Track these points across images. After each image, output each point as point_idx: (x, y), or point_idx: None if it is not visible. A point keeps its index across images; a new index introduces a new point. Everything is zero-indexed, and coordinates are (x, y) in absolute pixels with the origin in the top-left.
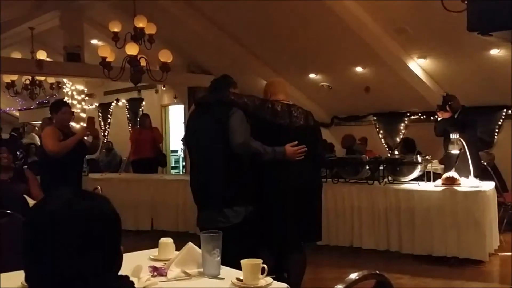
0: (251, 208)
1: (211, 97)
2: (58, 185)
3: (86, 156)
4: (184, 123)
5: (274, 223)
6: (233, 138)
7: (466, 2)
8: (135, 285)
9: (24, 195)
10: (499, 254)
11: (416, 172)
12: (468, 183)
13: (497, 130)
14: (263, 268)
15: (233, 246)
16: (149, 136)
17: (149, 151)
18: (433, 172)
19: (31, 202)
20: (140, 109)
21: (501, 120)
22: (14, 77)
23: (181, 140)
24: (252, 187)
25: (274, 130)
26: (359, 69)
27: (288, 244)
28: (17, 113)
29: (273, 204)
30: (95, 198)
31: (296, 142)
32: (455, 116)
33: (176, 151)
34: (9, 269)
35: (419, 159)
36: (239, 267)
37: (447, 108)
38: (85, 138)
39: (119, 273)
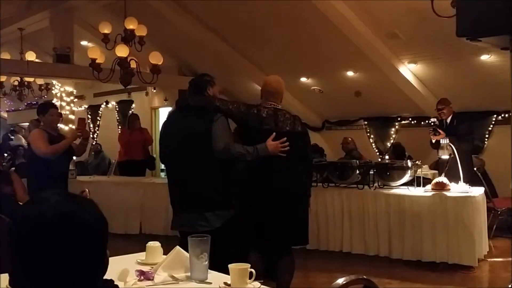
0: (233, 212)
1: (193, 100)
2: (44, 187)
3: (75, 158)
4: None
5: (262, 227)
6: (214, 144)
7: (456, 7)
8: None
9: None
10: (488, 259)
11: (406, 177)
12: (458, 189)
13: (487, 136)
14: (251, 273)
15: (214, 250)
16: (139, 138)
17: (139, 153)
18: (423, 177)
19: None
20: (130, 112)
21: (491, 126)
22: (3, 78)
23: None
24: (235, 190)
25: (260, 136)
26: (350, 73)
27: (276, 248)
28: (5, 114)
29: (261, 207)
30: (81, 201)
31: (274, 134)
32: (447, 121)
33: None
34: None
35: (409, 164)
36: (222, 271)
37: (440, 131)
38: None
39: (105, 277)
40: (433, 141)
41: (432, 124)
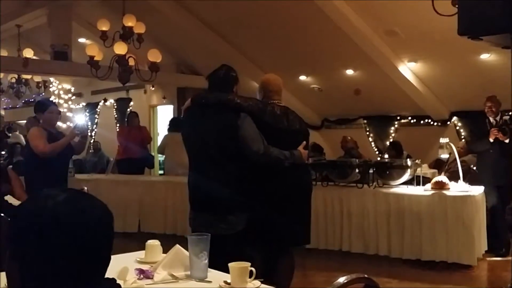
0: (253, 214)
1: (213, 97)
2: (43, 185)
3: (73, 156)
4: (180, 118)
5: (263, 226)
6: (251, 148)
7: (457, 6)
8: None
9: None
10: (487, 259)
11: (406, 176)
12: (457, 188)
13: None
14: (251, 271)
15: (237, 254)
16: (138, 136)
17: (138, 151)
18: (423, 176)
19: (16, 202)
20: (128, 109)
21: None
22: (0, 75)
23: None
24: (254, 192)
25: (274, 134)
26: (349, 72)
27: (277, 247)
28: (2, 112)
29: (263, 206)
30: (90, 198)
31: (304, 142)
32: (496, 119)
33: None
34: None
35: (409, 163)
36: None
37: (507, 131)
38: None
39: (106, 276)
40: (492, 140)
41: (502, 121)
